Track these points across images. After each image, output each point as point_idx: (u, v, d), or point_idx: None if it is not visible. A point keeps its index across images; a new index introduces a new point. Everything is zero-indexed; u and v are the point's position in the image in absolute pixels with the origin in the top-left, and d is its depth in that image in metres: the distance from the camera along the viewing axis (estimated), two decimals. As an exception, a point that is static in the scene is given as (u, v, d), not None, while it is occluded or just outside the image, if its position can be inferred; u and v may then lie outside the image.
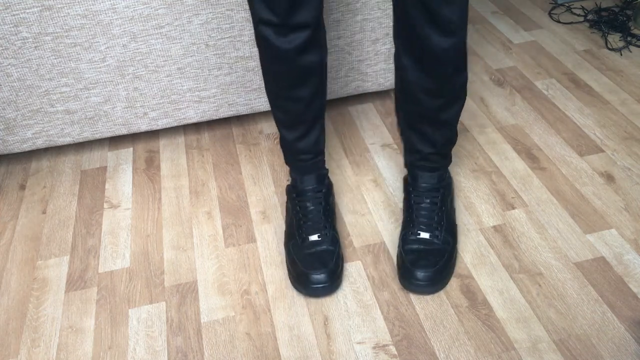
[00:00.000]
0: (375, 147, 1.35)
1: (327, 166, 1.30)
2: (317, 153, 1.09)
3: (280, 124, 1.06)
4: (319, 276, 1.01)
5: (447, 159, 1.09)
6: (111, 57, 1.22)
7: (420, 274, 1.00)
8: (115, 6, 1.15)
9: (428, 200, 1.07)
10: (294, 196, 1.11)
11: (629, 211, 1.15)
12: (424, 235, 1.04)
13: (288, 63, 0.92)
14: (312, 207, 1.08)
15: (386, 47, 1.35)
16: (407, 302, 1.01)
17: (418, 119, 1.01)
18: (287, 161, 1.12)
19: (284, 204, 1.22)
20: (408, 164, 1.11)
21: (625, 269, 1.04)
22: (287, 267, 1.07)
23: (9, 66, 1.18)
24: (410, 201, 1.08)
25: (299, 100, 0.99)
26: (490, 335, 0.95)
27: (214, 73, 1.30)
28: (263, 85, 1.34)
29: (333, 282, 1.02)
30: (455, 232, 1.08)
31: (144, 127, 1.35)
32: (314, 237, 1.06)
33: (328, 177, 1.14)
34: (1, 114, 1.25)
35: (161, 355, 0.96)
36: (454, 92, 0.97)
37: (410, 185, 1.10)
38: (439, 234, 1.04)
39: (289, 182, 1.24)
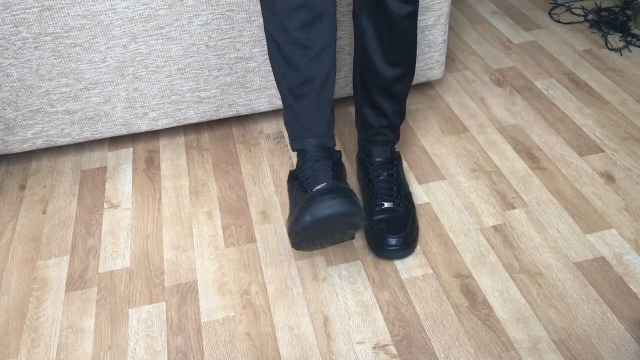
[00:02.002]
0: (375, 147, 1.35)
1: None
2: (327, 129, 0.99)
3: (285, 88, 0.96)
4: (330, 196, 0.85)
5: (396, 133, 1.16)
6: (111, 57, 1.22)
7: (393, 240, 1.06)
8: (116, 7, 1.15)
9: (385, 173, 1.14)
10: (296, 173, 0.98)
11: (629, 211, 1.15)
12: (388, 204, 1.10)
13: None
14: (317, 167, 0.95)
15: (386, 47, 1.35)
16: (407, 302, 1.01)
17: (374, 91, 1.08)
18: (292, 141, 1.00)
19: (284, 204, 1.22)
20: (361, 142, 1.18)
21: (625, 269, 1.04)
22: (286, 224, 0.93)
23: (9, 66, 1.18)
24: (368, 176, 1.15)
25: (307, 47, 0.92)
26: (490, 335, 0.95)
27: (214, 74, 1.30)
28: (263, 85, 1.34)
29: (351, 202, 0.86)
30: (411, 199, 1.16)
31: (144, 127, 1.35)
32: (321, 185, 0.91)
33: (340, 160, 1.02)
34: (1, 114, 1.25)
35: (161, 355, 0.96)
36: (409, 62, 1.06)
37: (366, 161, 1.17)
38: (399, 202, 1.11)
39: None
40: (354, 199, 0.88)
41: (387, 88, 1.07)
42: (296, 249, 0.95)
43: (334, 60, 0.95)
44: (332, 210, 0.85)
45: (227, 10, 1.21)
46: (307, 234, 0.89)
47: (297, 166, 1.00)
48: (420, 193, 1.22)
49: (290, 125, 1.00)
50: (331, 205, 0.84)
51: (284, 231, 1.16)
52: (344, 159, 1.32)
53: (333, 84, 0.97)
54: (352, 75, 1.39)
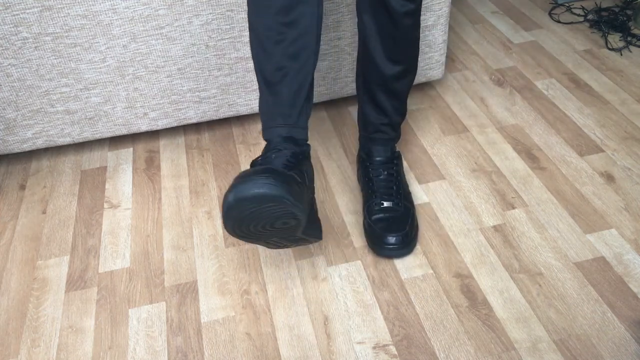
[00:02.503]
0: (375, 147, 1.35)
1: (327, 166, 1.30)
2: (298, 120, 0.93)
3: (260, 75, 0.93)
4: (259, 176, 0.78)
5: (397, 131, 1.17)
6: (111, 57, 1.22)
7: (392, 239, 1.06)
8: (116, 7, 1.15)
9: (385, 172, 1.14)
10: (255, 162, 0.91)
11: (629, 211, 1.15)
12: (387, 204, 1.11)
13: None
14: (275, 157, 0.88)
15: (386, 47, 1.35)
16: (407, 302, 1.01)
17: (375, 88, 1.09)
18: (263, 131, 0.94)
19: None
20: (362, 140, 1.19)
21: (625, 269, 1.04)
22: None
23: (9, 66, 1.18)
24: (368, 175, 1.15)
25: (282, 34, 0.89)
26: (490, 335, 0.95)
27: (214, 74, 1.30)
28: (263, 85, 1.34)
29: (283, 187, 0.79)
30: (411, 199, 1.16)
31: (144, 127, 1.35)
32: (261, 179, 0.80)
33: (308, 155, 0.96)
34: (1, 114, 1.25)
35: (161, 355, 0.96)
36: (410, 60, 1.07)
37: (366, 160, 1.17)
38: (399, 202, 1.11)
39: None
40: (290, 187, 0.80)
41: (388, 85, 1.08)
42: (232, 235, 0.86)
43: (312, 49, 0.91)
44: (257, 191, 0.76)
45: (227, 10, 1.21)
46: (234, 217, 0.81)
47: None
48: (420, 193, 1.22)
49: (263, 114, 0.95)
50: (258, 185, 0.76)
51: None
52: (343, 158, 1.32)
53: (308, 74, 0.92)
54: (351, 75, 1.39)
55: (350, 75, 1.39)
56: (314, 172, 0.99)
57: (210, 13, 1.20)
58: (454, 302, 1.01)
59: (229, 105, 1.36)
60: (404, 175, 1.20)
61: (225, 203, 0.79)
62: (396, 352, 0.94)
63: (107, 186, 1.30)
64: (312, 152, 1.33)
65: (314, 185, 0.99)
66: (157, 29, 1.20)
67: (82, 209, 1.25)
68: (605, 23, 1.70)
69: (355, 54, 1.35)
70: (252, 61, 1.29)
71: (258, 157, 0.91)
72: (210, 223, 1.19)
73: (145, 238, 1.17)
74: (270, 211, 0.81)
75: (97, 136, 1.35)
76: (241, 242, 1.14)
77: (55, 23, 1.15)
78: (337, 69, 1.36)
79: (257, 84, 1.33)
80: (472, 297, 1.01)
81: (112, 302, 1.05)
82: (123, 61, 1.23)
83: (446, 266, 1.07)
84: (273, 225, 0.85)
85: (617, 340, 0.93)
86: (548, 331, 0.95)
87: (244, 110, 1.38)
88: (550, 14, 1.80)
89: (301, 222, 0.85)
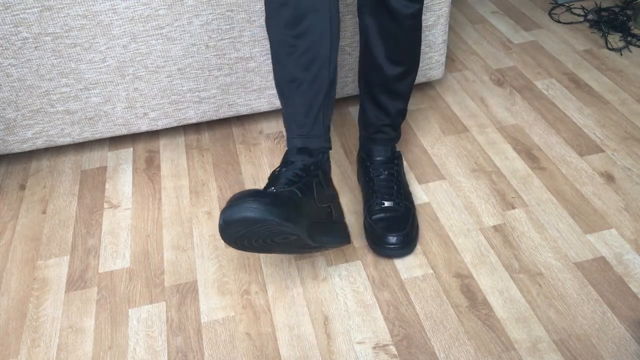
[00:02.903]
0: (375, 147, 1.35)
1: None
2: (312, 129, 0.95)
3: (277, 85, 0.97)
4: (247, 200, 0.82)
5: (397, 132, 1.17)
6: (111, 57, 1.22)
7: (393, 239, 1.06)
8: (116, 7, 1.15)
9: (386, 172, 1.14)
10: (271, 175, 0.95)
11: (629, 211, 1.15)
12: (388, 203, 1.10)
13: None
14: (283, 171, 0.92)
15: (386, 47, 1.35)
16: (407, 302, 1.01)
17: (377, 88, 1.09)
18: (287, 139, 0.98)
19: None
20: (362, 140, 1.19)
21: (625, 269, 1.04)
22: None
23: (9, 66, 1.18)
24: (369, 174, 1.15)
25: (293, 45, 0.90)
26: (490, 335, 0.95)
27: (214, 74, 1.30)
28: (263, 85, 1.34)
29: (270, 209, 0.82)
30: (411, 199, 1.16)
31: (144, 127, 1.35)
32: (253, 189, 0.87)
33: (323, 164, 0.98)
34: (1, 114, 1.25)
35: (161, 355, 0.96)
36: (411, 61, 1.07)
37: (366, 160, 1.17)
38: (399, 202, 1.11)
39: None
40: (277, 208, 0.82)
41: (389, 86, 1.08)
42: (240, 250, 0.91)
43: (325, 58, 0.91)
44: (242, 215, 0.81)
45: (227, 11, 1.21)
46: (228, 237, 0.86)
47: None
48: (420, 193, 1.22)
49: (284, 123, 0.98)
50: (242, 210, 0.81)
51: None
52: (343, 159, 1.32)
53: (323, 83, 0.93)
54: (351, 75, 1.39)
55: (350, 75, 1.39)
56: (330, 180, 0.99)
57: (210, 13, 1.20)
58: (454, 302, 1.01)
59: (229, 105, 1.36)
60: (405, 175, 1.20)
61: (219, 225, 0.84)
62: (396, 352, 0.94)
63: (107, 186, 1.30)
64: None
65: (332, 192, 0.99)
66: (157, 29, 1.20)
67: (82, 209, 1.25)
68: (605, 23, 1.70)
69: (355, 54, 1.35)
70: (252, 61, 1.29)
71: (276, 169, 0.95)
72: (210, 223, 1.19)
73: (145, 238, 1.17)
74: (262, 231, 0.85)
75: (97, 136, 1.35)
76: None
77: (55, 23, 1.15)
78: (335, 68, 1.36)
79: (257, 84, 1.34)
80: (472, 297, 1.01)
81: (112, 302, 1.05)
82: (123, 61, 1.23)
83: (446, 266, 1.07)
84: (273, 240, 0.89)
85: (617, 340, 0.93)
86: (548, 331, 0.95)
87: (244, 110, 1.38)
88: (550, 14, 1.80)
89: (300, 236, 0.87)
